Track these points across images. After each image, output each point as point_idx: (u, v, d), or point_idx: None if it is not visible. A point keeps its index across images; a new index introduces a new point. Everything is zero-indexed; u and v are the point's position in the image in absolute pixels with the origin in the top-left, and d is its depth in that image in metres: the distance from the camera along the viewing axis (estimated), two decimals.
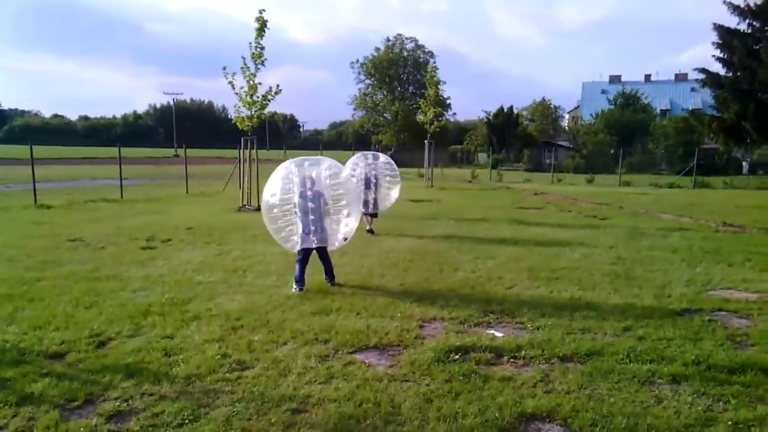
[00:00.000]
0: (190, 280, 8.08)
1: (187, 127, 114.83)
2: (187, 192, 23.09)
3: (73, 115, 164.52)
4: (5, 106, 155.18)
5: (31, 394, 4.34)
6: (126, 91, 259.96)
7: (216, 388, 4.50)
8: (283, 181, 7.91)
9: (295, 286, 7.57)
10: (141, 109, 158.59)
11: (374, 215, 12.86)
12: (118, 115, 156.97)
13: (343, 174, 8.62)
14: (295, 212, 7.80)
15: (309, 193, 7.72)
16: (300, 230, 7.80)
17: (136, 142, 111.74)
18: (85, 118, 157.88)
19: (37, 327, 5.88)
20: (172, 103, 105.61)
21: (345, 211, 8.37)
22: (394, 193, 13.61)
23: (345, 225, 8.44)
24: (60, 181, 29.10)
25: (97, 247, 10.50)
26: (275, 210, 7.91)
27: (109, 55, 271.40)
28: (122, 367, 4.86)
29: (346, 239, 8.56)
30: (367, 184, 12.58)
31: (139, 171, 37.61)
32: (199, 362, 4.98)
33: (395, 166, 13.63)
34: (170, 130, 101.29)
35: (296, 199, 7.76)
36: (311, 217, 7.71)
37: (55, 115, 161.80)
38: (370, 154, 13.62)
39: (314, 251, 7.88)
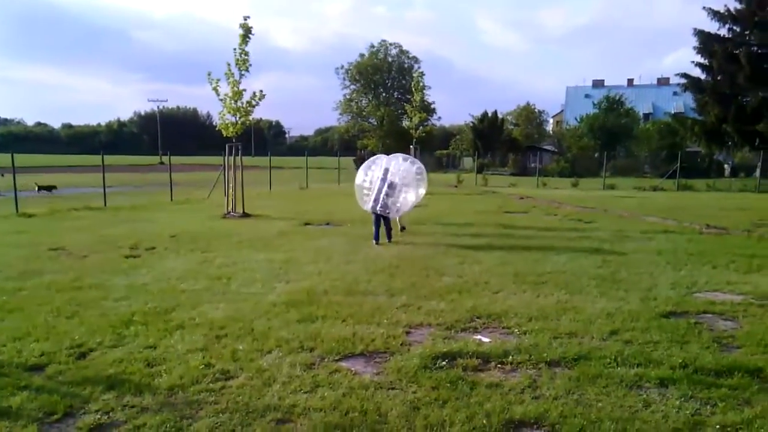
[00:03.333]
0: (173, 288, 7.97)
1: (171, 134, 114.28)
2: (171, 199, 22.89)
3: (56, 123, 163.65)
4: None
5: (9, 408, 4.23)
6: (110, 99, 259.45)
7: (199, 399, 4.42)
8: (365, 169, 12.74)
9: (373, 242, 11.80)
10: (125, 116, 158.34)
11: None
12: (102, 123, 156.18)
13: (406, 167, 12.62)
14: (374, 188, 12.15)
15: (385, 177, 12.10)
16: (373, 200, 12.08)
17: (120, 149, 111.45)
18: (69, 126, 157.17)
19: (17, 338, 5.76)
20: (156, 110, 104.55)
21: (403, 192, 12.38)
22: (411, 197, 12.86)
23: (402, 200, 12.39)
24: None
25: (79, 256, 10.36)
26: (362, 188, 12.57)
27: (92, 63, 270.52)
28: (103, 379, 4.76)
29: (399, 210, 12.54)
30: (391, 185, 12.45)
31: (124, 179, 37.41)
32: (182, 372, 4.89)
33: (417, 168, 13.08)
34: (155, 138, 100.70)
35: (376, 180, 12.18)
36: (384, 193, 11.99)
37: (38, 123, 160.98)
38: (400, 156, 13.17)
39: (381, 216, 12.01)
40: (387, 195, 12.03)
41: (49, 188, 26.21)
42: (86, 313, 6.69)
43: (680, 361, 5.11)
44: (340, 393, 4.52)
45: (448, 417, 4.12)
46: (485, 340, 5.81)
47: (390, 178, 12.18)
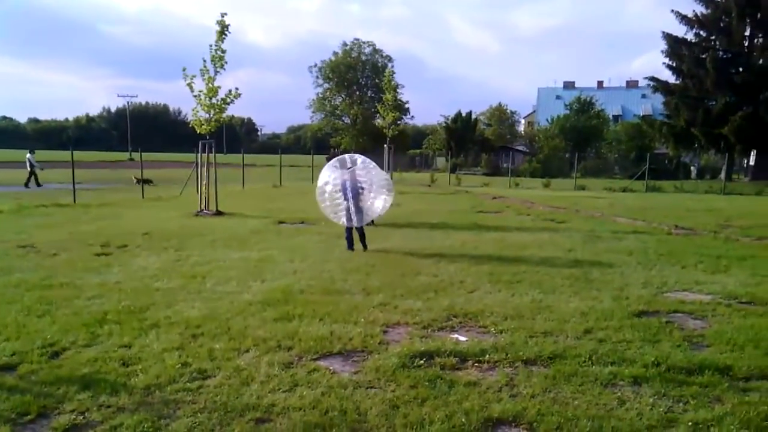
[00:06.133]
0: (147, 286, 7.87)
1: (142, 130, 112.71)
2: (143, 197, 22.58)
3: (22, 118, 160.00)
4: None
5: None
6: (78, 94, 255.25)
7: (176, 399, 4.37)
8: (327, 172, 11.15)
9: (348, 246, 10.90)
10: (94, 111, 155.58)
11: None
12: (70, 118, 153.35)
13: (372, 167, 11.31)
14: (343, 197, 10.89)
15: (350, 184, 10.85)
16: (345, 211, 10.90)
17: (89, 145, 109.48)
18: (35, 121, 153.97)
19: None
20: (126, 105, 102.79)
21: (372, 196, 11.18)
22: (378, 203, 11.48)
23: (372, 206, 11.25)
24: (8, 186, 28.20)
25: (48, 253, 10.16)
26: (325, 194, 11.11)
27: (60, 57, 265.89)
28: (78, 379, 4.69)
29: (372, 220, 12.22)
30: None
31: (93, 175, 36.79)
32: (158, 372, 4.84)
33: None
34: (124, 133, 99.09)
35: (342, 187, 10.85)
36: (353, 202, 10.87)
37: (3, 118, 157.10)
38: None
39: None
40: (357, 205, 10.90)
41: (147, 181, 27.09)
42: (58, 311, 6.57)
43: (653, 359, 5.20)
44: (318, 392, 4.52)
45: (427, 415, 4.14)
46: (462, 339, 5.86)
47: (353, 187, 10.90)
